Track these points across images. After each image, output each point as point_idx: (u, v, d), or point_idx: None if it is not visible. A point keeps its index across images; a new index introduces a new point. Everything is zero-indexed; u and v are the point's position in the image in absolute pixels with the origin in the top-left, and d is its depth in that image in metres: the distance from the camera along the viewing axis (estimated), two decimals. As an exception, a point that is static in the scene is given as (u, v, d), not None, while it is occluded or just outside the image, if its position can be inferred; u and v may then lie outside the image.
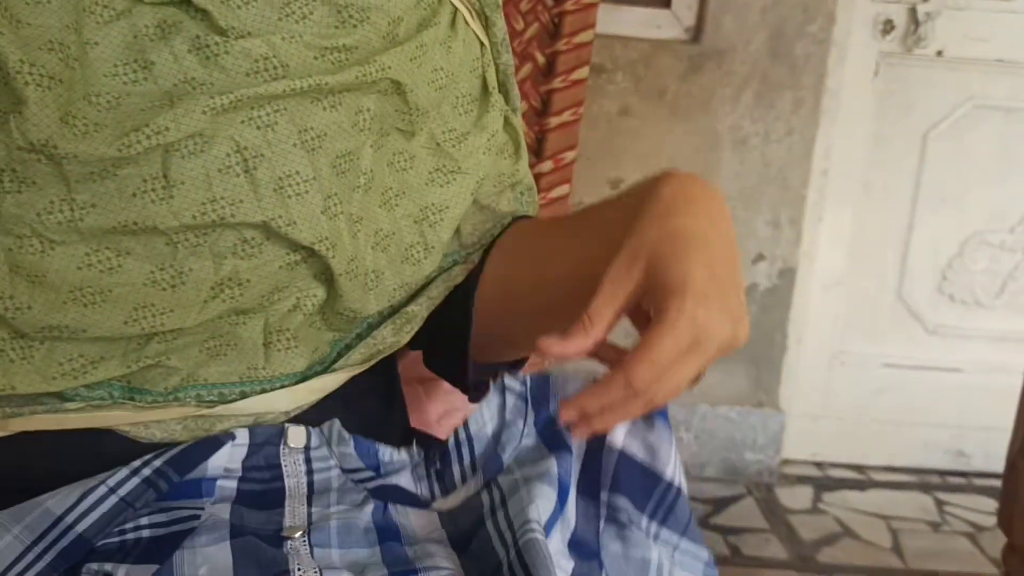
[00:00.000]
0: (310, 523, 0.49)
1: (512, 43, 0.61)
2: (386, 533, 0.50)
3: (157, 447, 0.49)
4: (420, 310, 0.57)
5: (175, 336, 0.49)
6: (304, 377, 0.54)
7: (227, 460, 0.50)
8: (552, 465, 0.52)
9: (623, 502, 0.54)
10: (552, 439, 0.54)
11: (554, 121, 1.78)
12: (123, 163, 0.45)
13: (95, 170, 0.45)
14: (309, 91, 0.48)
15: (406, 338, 0.57)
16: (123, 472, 0.48)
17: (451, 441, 0.56)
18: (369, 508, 0.50)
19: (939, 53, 2.12)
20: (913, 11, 2.10)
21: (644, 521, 0.54)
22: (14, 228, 0.45)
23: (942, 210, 2.21)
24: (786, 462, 2.27)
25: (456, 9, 0.57)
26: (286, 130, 0.48)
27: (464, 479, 0.56)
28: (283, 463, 0.51)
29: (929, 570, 1.88)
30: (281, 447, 0.52)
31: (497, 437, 0.55)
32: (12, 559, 0.45)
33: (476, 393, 0.67)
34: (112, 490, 0.47)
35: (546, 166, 1.80)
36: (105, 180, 0.45)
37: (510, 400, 0.55)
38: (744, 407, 2.21)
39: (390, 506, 0.52)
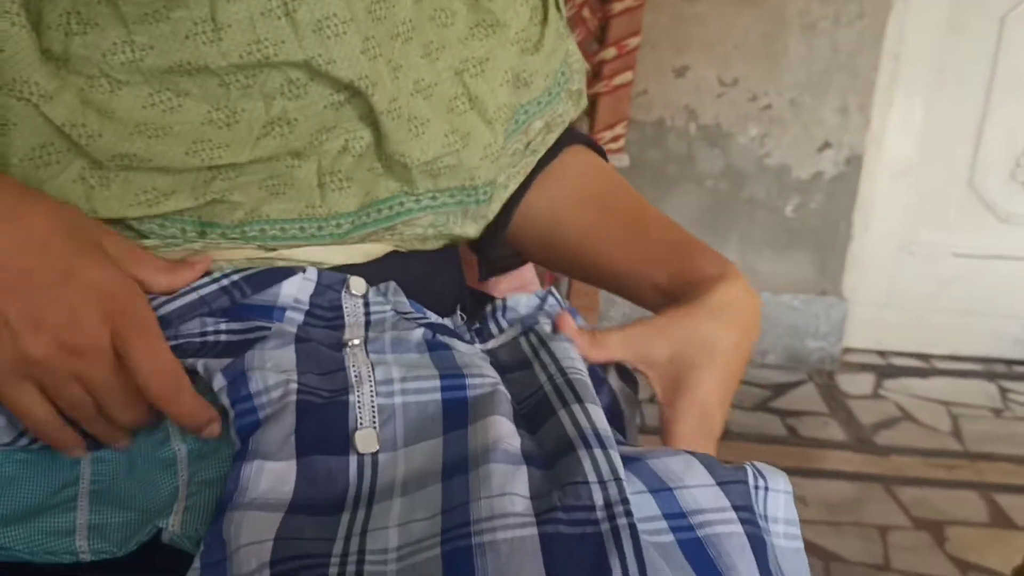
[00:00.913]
0: (367, 340, 0.55)
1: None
2: (435, 346, 0.55)
3: None
4: (494, 207, 0.64)
5: (236, 174, 0.54)
6: (357, 226, 0.59)
7: (297, 290, 0.55)
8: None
9: None
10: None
11: (617, 7, 1.78)
12: (174, 6, 0.50)
13: (149, 11, 0.49)
14: None
15: (474, 232, 0.64)
16: (205, 279, 0.54)
17: (488, 309, 0.61)
18: (420, 331, 0.56)
19: (1021, -71, 2.04)
20: None
21: None
22: (84, 69, 0.50)
23: (1020, 95, 2.16)
24: (849, 350, 2.30)
25: None
26: None
27: (501, 330, 0.61)
28: (344, 305, 0.57)
29: (987, 452, 1.91)
30: (343, 293, 0.57)
31: (529, 314, 0.61)
32: None
33: (489, 269, 0.73)
34: (194, 288, 0.54)
35: (609, 53, 1.81)
36: (159, 23, 0.50)
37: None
38: (807, 295, 2.22)
39: (439, 337, 0.57)
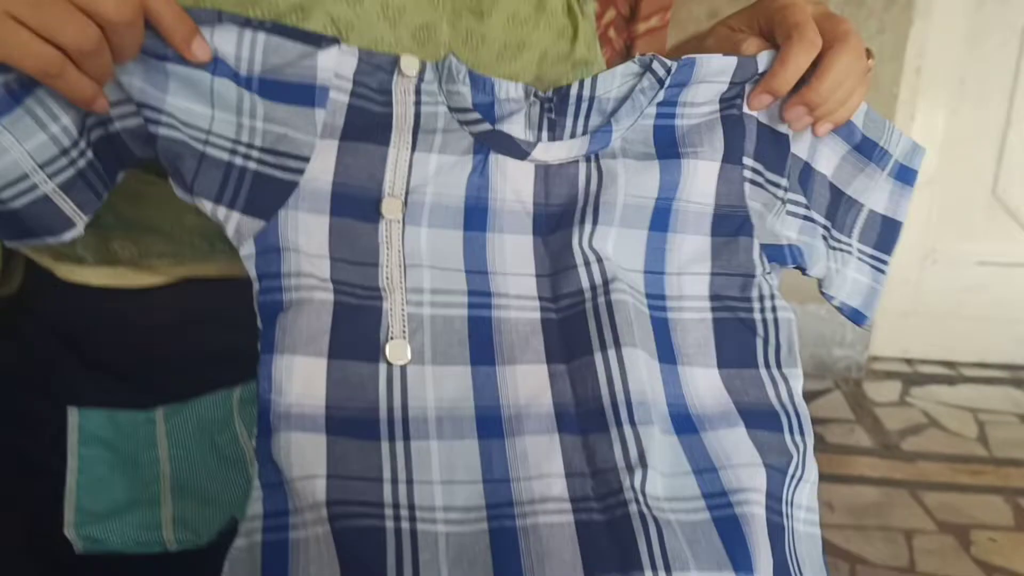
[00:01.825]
0: (408, 192, 0.54)
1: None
2: (473, 216, 0.55)
3: None
4: None
5: None
6: None
7: (336, 64, 0.53)
8: (655, 173, 0.57)
9: (758, 166, 0.62)
10: (666, 139, 0.59)
11: (642, 27, 1.82)
12: None
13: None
14: None
15: None
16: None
17: (574, 89, 0.57)
18: (467, 168, 0.55)
19: (1040, -58, 2.07)
20: (1013, -101, 2.05)
21: (783, 182, 0.63)
22: None
23: (1042, 105, 2.18)
24: (875, 358, 2.32)
25: None
26: (371, 5, 0.58)
27: (573, 134, 0.58)
28: (394, 90, 0.55)
29: (1013, 458, 1.93)
30: (394, 75, 0.55)
31: (617, 107, 0.59)
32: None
33: None
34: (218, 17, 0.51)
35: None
36: None
37: (647, 80, 0.58)
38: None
39: (490, 158, 0.56)
